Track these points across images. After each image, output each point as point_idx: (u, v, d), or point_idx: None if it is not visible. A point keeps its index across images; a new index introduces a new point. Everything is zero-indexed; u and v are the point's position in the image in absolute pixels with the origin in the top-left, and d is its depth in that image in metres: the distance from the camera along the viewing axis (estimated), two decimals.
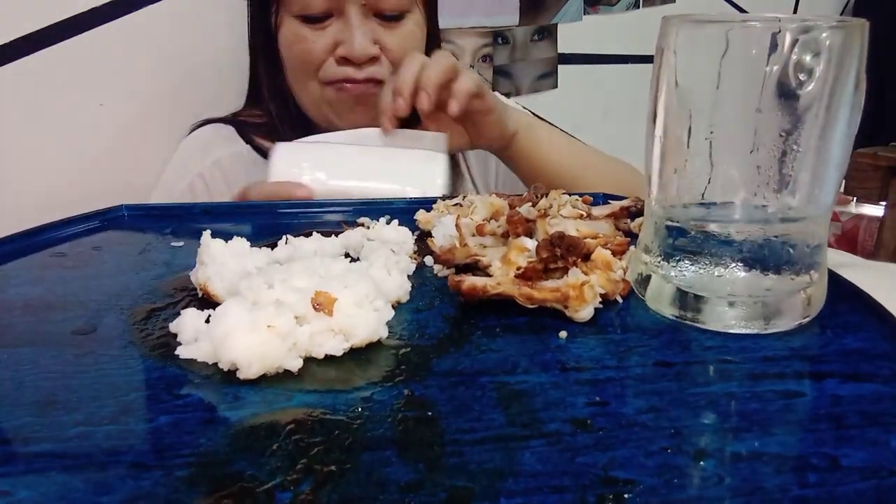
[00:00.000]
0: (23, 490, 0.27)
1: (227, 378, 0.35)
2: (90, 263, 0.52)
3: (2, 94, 0.81)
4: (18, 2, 0.81)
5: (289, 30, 0.77)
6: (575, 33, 1.32)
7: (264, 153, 0.83)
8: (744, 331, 0.39)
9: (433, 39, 0.86)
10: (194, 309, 0.39)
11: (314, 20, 0.76)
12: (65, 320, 0.41)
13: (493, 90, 1.25)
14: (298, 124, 0.83)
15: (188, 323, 0.38)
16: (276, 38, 0.79)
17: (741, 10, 1.54)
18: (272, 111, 0.83)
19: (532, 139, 0.82)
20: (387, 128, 0.73)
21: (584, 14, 1.33)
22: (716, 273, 0.40)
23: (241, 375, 0.35)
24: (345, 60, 0.77)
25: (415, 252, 0.52)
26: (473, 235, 0.51)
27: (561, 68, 1.32)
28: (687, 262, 0.41)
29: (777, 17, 0.39)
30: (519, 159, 0.83)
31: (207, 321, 0.38)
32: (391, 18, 0.78)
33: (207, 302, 0.43)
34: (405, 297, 0.44)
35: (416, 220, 0.58)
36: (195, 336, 0.38)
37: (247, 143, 0.84)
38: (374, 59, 0.78)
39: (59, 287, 0.47)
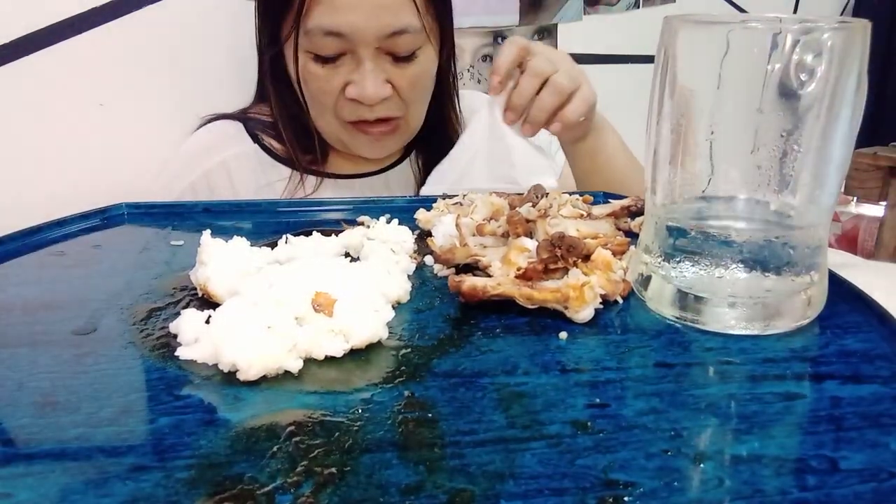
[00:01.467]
0: (23, 492, 0.27)
1: (228, 379, 0.35)
2: (90, 262, 0.52)
3: (2, 94, 0.81)
4: (18, 2, 0.81)
5: (302, 67, 0.76)
6: (575, 33, 1.32)
7: (272, 153, 0.83)
8: (744, 332, 0.39)
9: (441, 64, 0.84)
10: (194, 309, 0.39)
11: (326, 60, 0.75)
12: (65, 320, 0.41)
13: None
14: (311, 146, 0.83)
15: (188, 323, 0.38)
16: (296, 68, 0.78)
17: (741, 10, 1.53)
18: (285, 135, 0.82)
19: (602, 140, 0.82)
20: (495, 88, 0.75)
21: (584, 14, 1.33)
22: (716, 274, 0.40)
23: (242, 376, 0.34)
24: (356, 101, 0.76)
25: (415, 252, 0.52)
26: (473, 235, 0.51)
27: None
28: (687, 262, 0.41)
29: (778, 18, 0.39)
30: (583, 156, 0.83)
31: (207, 322, 0.38)
32: (404, 59, 0.77)
33: (207, 302, 0.43)
34: (405, 298, 0.44)
35: (416, 219, 0.57)
36: (195, 337, 0.37)
37: (255, 141, 0.83)
38: (385, 98, 0.76)
39: (58, 286, 0.47)
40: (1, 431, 0.31)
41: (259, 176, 0.81)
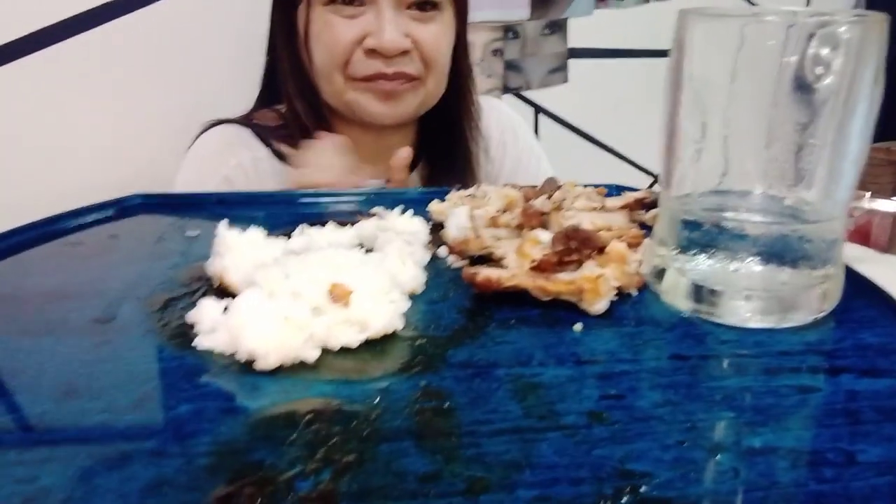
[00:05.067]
0: (46, 477, 0.27)
1: (245, 368, 0.35)
2: (107, 252, 0.52)
3: (17, 88, 0.82)
4: None
5: (318, 20, 0.75)
6: (585, 28, 1.32)
7: (282, 157, 0.82)
8: (759, 325, 0.39)
9: (462, 44, 0.84)
10: (211, 299, 0.40)
11: (345, 3, 0.74)
12: (83, 309, 0.42)
13: (504, 84, 1.25)
14: (325, 120, 0.82)
15: (205, 313, 0.39)
16: (305, 35, 0.78)
17: (752, 3, 1.52)
18: (299, 109, 0.81)
19: None
20: None
21: (595, 8, 1.33)
22: (731, 267, 0.40)
23: (259, 366, 0.35)
24: (373, 53, 0.75)
25: (429, 243, 0.52)
26: (487, 227, 0.51)
27: (572, 62, 1.32)
28: (702, 255, 0.41)
29: (794, 11, 0.39)
30: None
31: (225, 311, 0.38)
32: (424, 6, 0.76)
33: (224, 292, 0.43)
34: (420, 289, 0.45)
35: (429, 210, 0.58)
36: (212, 326, 0.38)
37: (266, 146, 0.83)
38: (404, 53, 0.75)
39: (76, 276, 0.47)
40: (24, 417, 0.31)
41: (274, 179, 0.81)
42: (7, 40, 0.80)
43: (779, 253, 0.39)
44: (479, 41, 1.17)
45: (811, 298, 0.40)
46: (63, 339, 0.38)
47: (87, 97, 0.87)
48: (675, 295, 0.42)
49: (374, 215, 0.57)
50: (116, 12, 0.87)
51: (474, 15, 0.87)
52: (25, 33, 0.81)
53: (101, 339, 0.38)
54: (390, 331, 0.38)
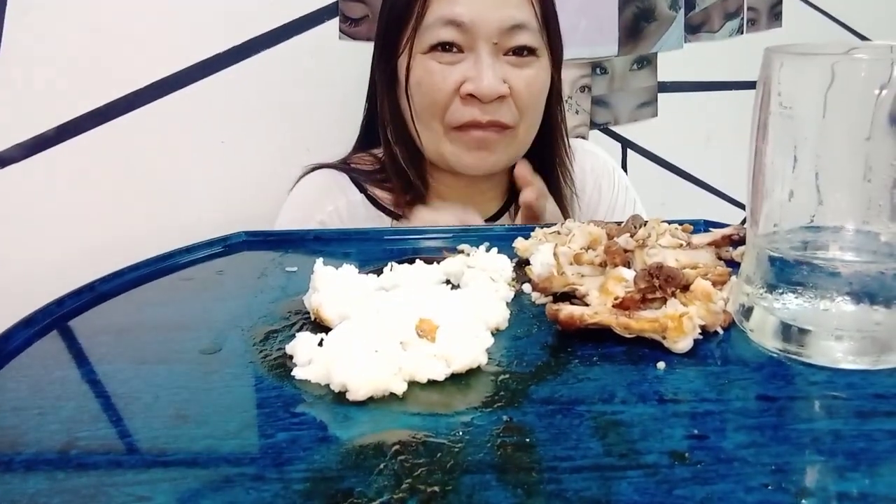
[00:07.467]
0: (161, 495, 0.30)
1: (338, 399, 0.37)
2: (214, 286, 0.56)
3: (133, 137, 0.89)
4: (147, 52, 0.89)
5: (419, 68, 0.79)
6: (676, 61, 1.31)
7: (377, 203, 0.86)
8: (852, 366, 0.38)
9: (555, 89, 0.86)
10: (308, 332, 0.42)
11: (445, 51, 0.77)
12: (193, 339, 0.45)
13: (591, 120, 1.25)
14: (420, 166, 0.85)
15: (302, 345, 0.41)
16: (406, 82, 0.81)
17: (857, 34, 1.46)
18: (397, 154, 0.84)
19: None
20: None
21: (685, 42, 1.31)
22: (821, 306, 0.39)
23: (351, 397, 0.37)
24: (471, 98, 0.77)
25: (513, 279, 0.53)
26: (571, 264, 0.51)
27: (661, 96, 1.31)
28: (791, 294, 0.40)
29: (889, 47, 0.38)
30: None
31: (320, 344, 0.41)
32: (521, 54, 0.79)
33: (320, 325, 0.46)
34: (504, 325, 0.46)
35: (514, 247, 0.59)
36: (309, 358, 0.40)
37: (361, 191, 0.87)
38: (500, 98, 0.78)
39: (187, 308, 0.51)
40: (141, 440, 0.34)
41: (367, 224, 0.84)
42: (123, 94, 0.88)
43: (872, 292, 0.38)
44: (567, 78, 1.17)
45: None
46: (175, 367, 0.42)
47: (196, 144, 0.94)
48: (762, 334, 0.42)
49: (460, 252, 0.59)
50: (223, 65, 0.93)
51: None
52: (139, 87, 0.89)
53: (209, 369, 0.41)
54: (475, 366, 0.40)
